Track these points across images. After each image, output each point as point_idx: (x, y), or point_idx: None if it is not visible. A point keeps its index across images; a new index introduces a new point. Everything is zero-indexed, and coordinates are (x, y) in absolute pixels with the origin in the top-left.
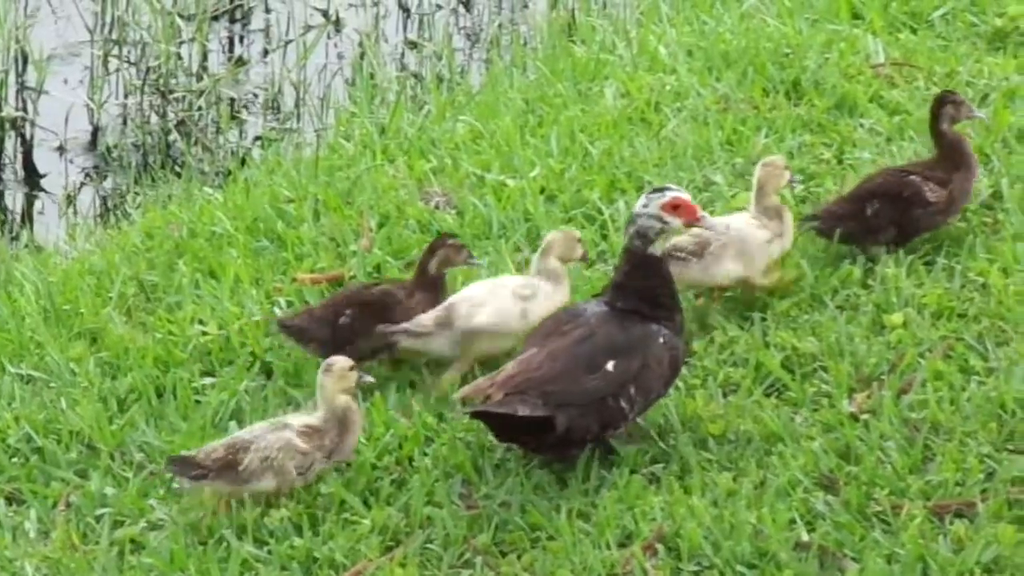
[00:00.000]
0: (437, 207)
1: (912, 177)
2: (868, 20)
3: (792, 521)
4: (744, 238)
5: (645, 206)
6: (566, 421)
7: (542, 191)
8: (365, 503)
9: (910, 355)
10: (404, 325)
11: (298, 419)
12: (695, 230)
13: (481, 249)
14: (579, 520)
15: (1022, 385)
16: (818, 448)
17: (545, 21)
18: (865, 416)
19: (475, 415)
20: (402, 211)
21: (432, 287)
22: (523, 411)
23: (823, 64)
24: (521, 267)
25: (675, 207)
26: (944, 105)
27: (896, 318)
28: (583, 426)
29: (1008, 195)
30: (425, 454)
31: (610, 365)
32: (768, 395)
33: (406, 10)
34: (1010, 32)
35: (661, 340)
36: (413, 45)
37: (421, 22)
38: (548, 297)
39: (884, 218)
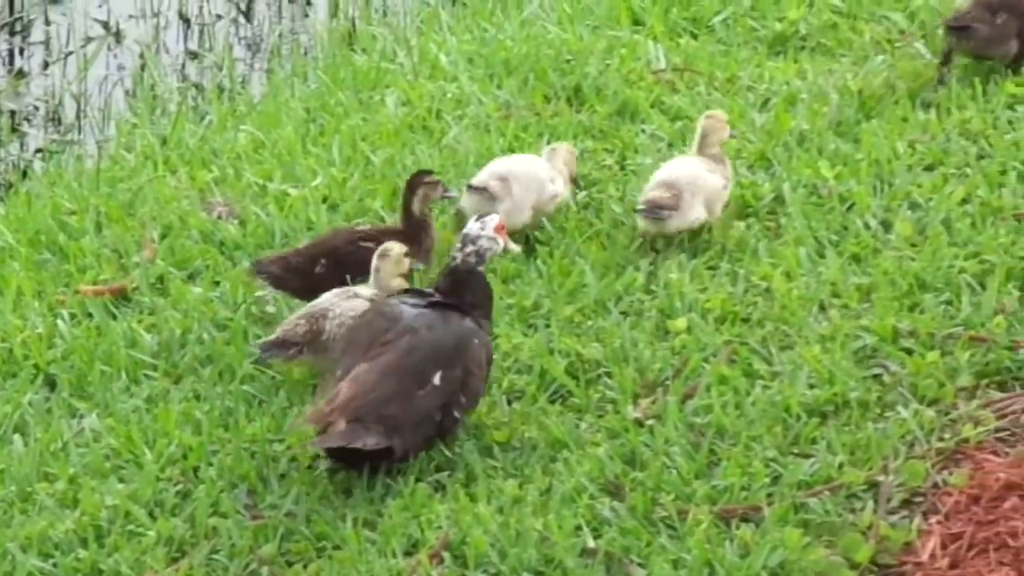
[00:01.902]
0: (220, 217)
1: None
2: (649, 26)
3: (578, 527)
4: (707, 187)
5: (483, 229)
6: (402, 444)
7: (324, 200)
8: (150, 514)
9: (694, 360)
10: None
11: (365, 291)
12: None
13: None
14: (365, 529)
15: (806, 389)
16: (603, 454)
17: (325, 30)
18: (650, 422)
19: (326, 449)
20: (185, 221)
21: (420, 228)
22: (370, 443)
23: (604, 70)
24: None
25: (501, 228)
26: None
27: (680, 323)
28: (419, 443)
29: (790, 199)
30: (210, 464)
31: (437, 378)
32: (553, 402)
33: (186, 21)
34: (790, 37)
35: (476, 340)
36: (194, 56)
37: (202, 32)
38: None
39: (1011, 28)
